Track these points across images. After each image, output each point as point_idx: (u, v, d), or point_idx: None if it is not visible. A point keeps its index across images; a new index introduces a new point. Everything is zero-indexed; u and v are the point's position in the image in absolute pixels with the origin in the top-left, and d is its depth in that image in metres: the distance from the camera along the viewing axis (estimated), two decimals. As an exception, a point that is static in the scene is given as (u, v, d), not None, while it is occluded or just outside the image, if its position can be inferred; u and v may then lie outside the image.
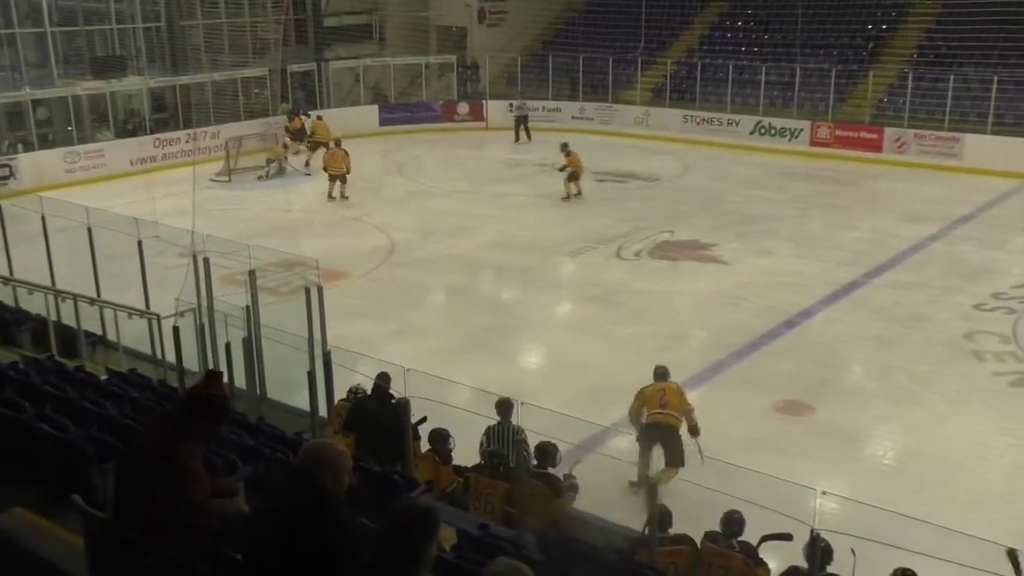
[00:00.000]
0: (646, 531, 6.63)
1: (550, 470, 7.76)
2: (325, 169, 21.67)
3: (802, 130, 26.11)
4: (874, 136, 25.27)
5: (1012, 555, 5.69)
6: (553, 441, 7.77)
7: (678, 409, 9.26)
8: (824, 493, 6.20)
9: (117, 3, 27.02)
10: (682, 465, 8.93)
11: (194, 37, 28.59)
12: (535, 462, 7.83)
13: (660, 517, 6.96)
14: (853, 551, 5.97)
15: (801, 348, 13.06)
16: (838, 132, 25.50)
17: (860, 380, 12.29)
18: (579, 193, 21.31)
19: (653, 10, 31.43)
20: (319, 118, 25.85)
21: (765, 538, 6.67)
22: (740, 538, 6.78)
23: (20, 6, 24.87)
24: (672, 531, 7.00)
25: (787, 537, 6.43)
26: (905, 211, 19.94)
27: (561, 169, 21.29)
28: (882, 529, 6.09)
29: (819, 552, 6.07)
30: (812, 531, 5.99)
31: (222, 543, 3.98)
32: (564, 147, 21.46)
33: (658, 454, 9.14)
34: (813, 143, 25.93)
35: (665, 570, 6.68)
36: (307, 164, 24.28)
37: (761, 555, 6.70)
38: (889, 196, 22.11)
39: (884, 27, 28.25)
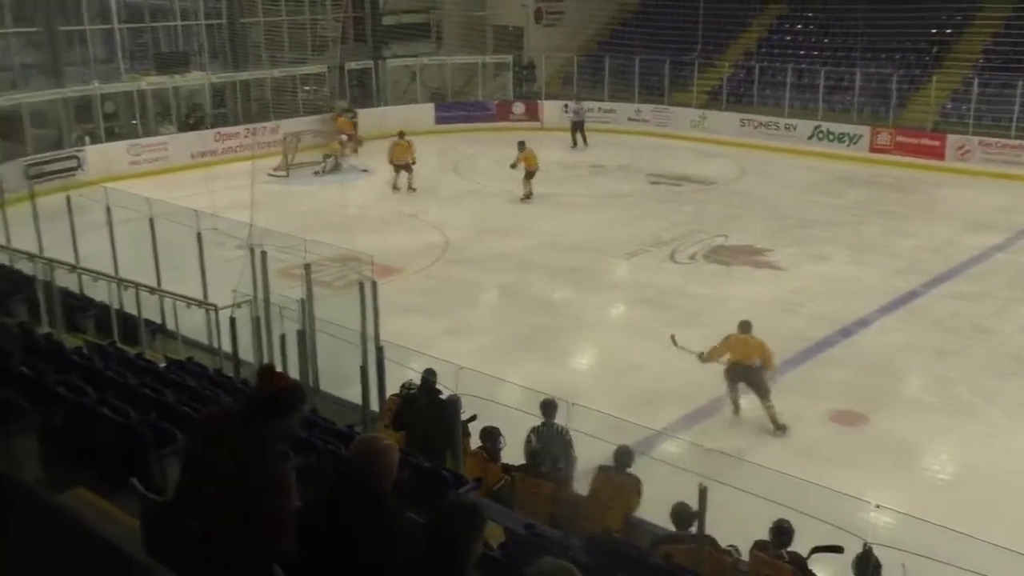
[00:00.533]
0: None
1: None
2: (391, 161, 22.04)
3: (861, 136, 25.69)
4: (936, 143, 24.76)
5: None
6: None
7: (758, 356, 10.88)
8: (878, 507, 6.09)
9: (181, 1, 27.56)
10: (768, 394, 10.77)
11: (255, 34, 29.04)
12: (612, 463, 7.79)
13: (680, 514, 6.99)
14: (904, 566, 5.86)
15: (856, 357, 12.85)
16: (899, 138, 25.04)
17: (917, 391, 12.06)
18: (529, 194, 21.19)
19: (710, 12, 31.15)
20: (348, 110, 26.39)
21: (816, 550, 6.56)
22: (790, 548, 6.68)
23: (91, 5, 25.50)
24: (720, 540, 6.94)
25: (838, 550, 6.32)
26: (967, 220, 19.51)
27: (512, 166, 21.39)
28: (936, 546, 5.97)
29: (871, 567, 5.97)
30: (865, 545, 5.89)
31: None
32: (520, 145, 21.55)
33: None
34: (872, 149, 25.49)
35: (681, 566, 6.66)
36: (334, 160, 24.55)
37: (811, 567, 6.60)
38: (951, 204, 21.66)
39: (949, 31, 27.64)
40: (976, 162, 23.93)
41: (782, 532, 6.64)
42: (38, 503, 2.30)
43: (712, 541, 6.90)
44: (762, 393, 10.86)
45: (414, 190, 21.84)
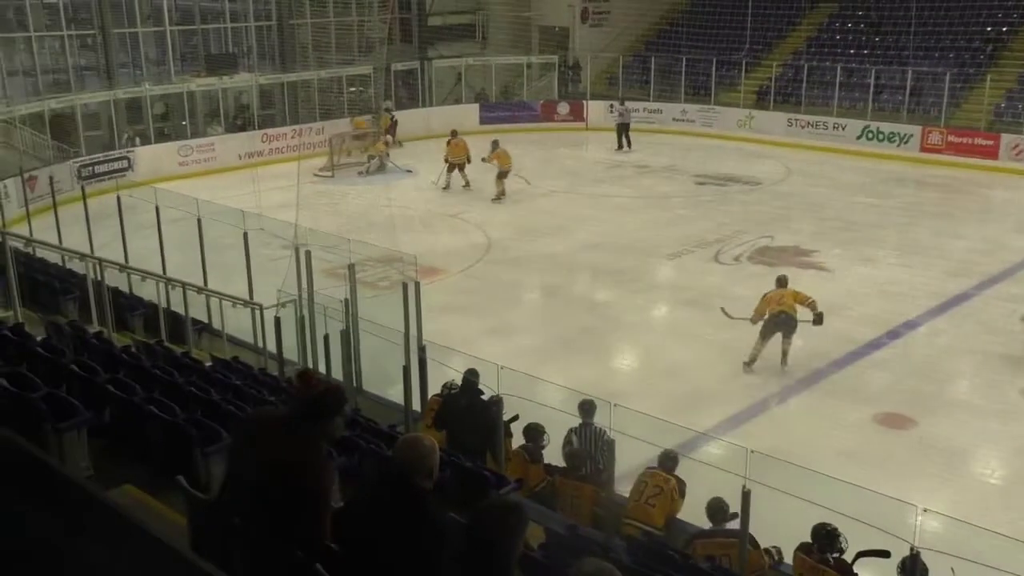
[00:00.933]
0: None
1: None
2: (446, 160, 22.11)
3: (912, 136, 25.27)
4: (990, 143, 24.28)
5: None
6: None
7: (799, 303, 12.29)
8: (925, 511, 5.99)
9: (231, 2, 27.96)
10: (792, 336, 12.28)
11: (302, 35, 29.36)
12: (657, 466, 7.78)
13: (717, 511, 6.99)
14: (953, 570, 5.76)
15: (904, 360, 12.65)
16: (951, 138, 24.60)
17: (967, 395, 11.83)
18: (502, 194, 21.19)
19: (759, 11, 30.87)
20: (387, 110, 26.68)
21: (861, 554, 6.47)
22: (834, 554, 6.57)
23: (143, 6, 25.97)
24: (763, 542, 6.88)
25: (885, 554, 6.22)
26: (1021, 221, 19.13)
27: (484, 160, 21.41)
28: (986, 551, 5.86)
29: (918, 572, 5.88)
30: (912, 549, 5.80)
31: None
32: (494, 144, 21.57)
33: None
34: (923, 149, 25.08)
35: (715, 562, 6.66)
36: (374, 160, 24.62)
37: (857, 571, 6.50)
38: (1004, 205, 21.23)
39: (1004, 29, 27.08)
40: (1030, 162, 23.44)
41: (828, 536, 6.51)
42: (88, 499, 2.34)
43: (752, 539, 6.86)
44: (791, 338, 12.32)
45: (468, 186, 21.96)
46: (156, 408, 6.01)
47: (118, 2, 25.28)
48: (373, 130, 25.95)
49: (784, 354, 12.31)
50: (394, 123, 26.51)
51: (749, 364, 12.28)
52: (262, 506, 3.81)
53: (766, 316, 12.28)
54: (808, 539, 6.66)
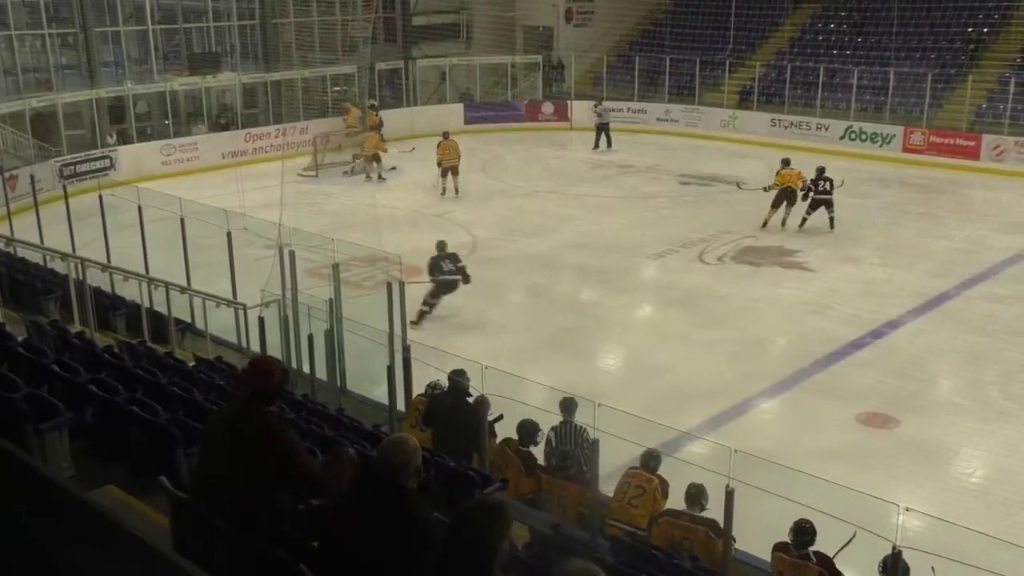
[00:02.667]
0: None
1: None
2: (439, 164, 21.56)
3: (894, 136, 25.43)
4: (971, 143, 24.45)
5: None
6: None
7: (800, 181, 18.46)
8: (907, 509, 6.03)
9: (214, 1, 27.83)
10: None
11: (286, 35, 29.26)
12: (639, 466, 7.78)
13: (695, 494, 7.06)
14: (933, 569, 5.80)
15: (887, 359, 12.71)
16: (932, 138, 24.77)
17: (948, 394, 11.91)
18: (444, 191, 21.34)
19: (742, 11, 31.00)
20: (371, 107, 26.54)
21: (839, 552, 6.52)
22: (814, 548, 6.58)
23: (125, 5, 25.82)
24: (749, 542, 6.91)
25: (851, 539, 6.28)
26: (1002, 221, 19.25)
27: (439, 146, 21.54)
28: (967, 550, 5.90)
29: (900, 570, 5.91)
30: (894, 548, 5.83)
31: (300, 531, 4.08)
32: (445, 134, 21.69)
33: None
34: (906, 149, 25.24)
35: (676, 543, 6.78)
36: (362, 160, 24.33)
37: (839, 566, 6.54)
38: (985, 205, 21.39)
39: (985, 30, 27.29)
40: (1012, 163, 23.61)
41: (803, 532, 6.49)
42: (69, 500, 2.33)
43: (713, 524, 6.93)
44: (791, 209, 18.45)
45: (457, 193, 21.41)
46: (138, 408, 5.98)
47: (100, 1, 25.10)
48: (359, 129, 25.84)
49: (783, 221, 18.37)
50: (380, 123, 26.39)
51: (763, 227, 18.34)
52: (234, 495, 3.90)
53: (777, 189, 18.34)
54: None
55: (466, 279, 13.76)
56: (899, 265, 16.59)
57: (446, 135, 22.00)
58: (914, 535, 6.12)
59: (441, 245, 14.02)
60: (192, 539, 4.06)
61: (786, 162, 18.73)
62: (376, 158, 23.38)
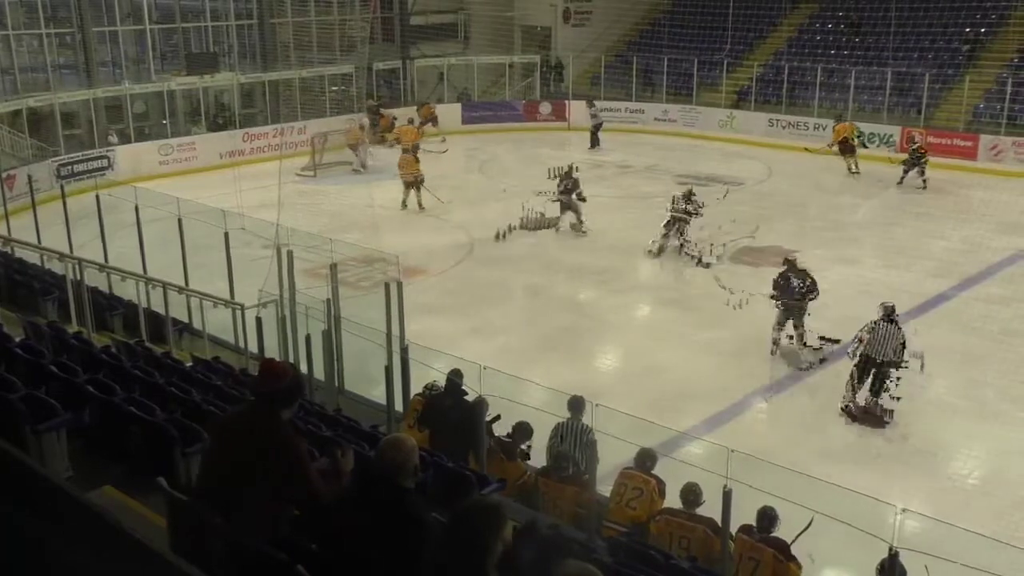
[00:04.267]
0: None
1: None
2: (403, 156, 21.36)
3: (892, 136, 25.44)
4: (969, 143, 24.49)
5: None
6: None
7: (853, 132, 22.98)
8: (904, 510, 6.04)
9: (212, 1, 27.81)
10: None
11: (283, 34, 29.24)
12: (635, 465, 7.80)
13: (689, 493, 7.16)
14: (927, 568, 5.81)
15: (884, 360, 12.69)
16: (930, 138, 24.76)
17: (945, 395, 11.90)
18: (404, 205, 20.43)
19: (740, 11, 31.01)
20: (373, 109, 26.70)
21: (795, 539, 6.69)
22: (774, 534, 6.78)
23: (123, 5, 25.79)
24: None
25: (808, 525, 6.52)
26: (1000, 222, 19.26)
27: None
28: (964, 551, 5.90)
29: (897, 571, 5.92)
30: (891, 549, 5.84)
31: (300, 532, 4.08)
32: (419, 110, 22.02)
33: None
34: (904, 150, 25.19)
35: (670, 542, 6.86)
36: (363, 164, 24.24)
37: (805, 555, 6.68)
38: (983, 206, 21.37)
39: (983, 30, 27.31)
40: (1009, 163, 23.66)
41: (765, 517, 6.78)
42: (67, 501, 2.33)
43: (711, 523, 6.99)
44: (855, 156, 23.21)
45: (423, 208, 20.26)
46: (136, 409, 5.98)
47: (97, 0, 25.07)
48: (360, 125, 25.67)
49: (851, 167, 23.25)
50: (433, 117, 26.41)
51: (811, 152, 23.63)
52: (236, 498, 3.90)
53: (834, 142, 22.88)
54: (787, 537, 6.73)
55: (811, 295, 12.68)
56: (897, 266, 16.60)
57: (413, 148, 21.61)
58: (911, 536, 6.12)
59: (790, 262, 12.93)
60: (190, 540, 4.06)
61: (839, 118, 23.19)
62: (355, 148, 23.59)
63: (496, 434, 8.48)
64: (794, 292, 12.51)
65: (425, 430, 8.51)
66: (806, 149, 23.38)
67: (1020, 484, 9.67)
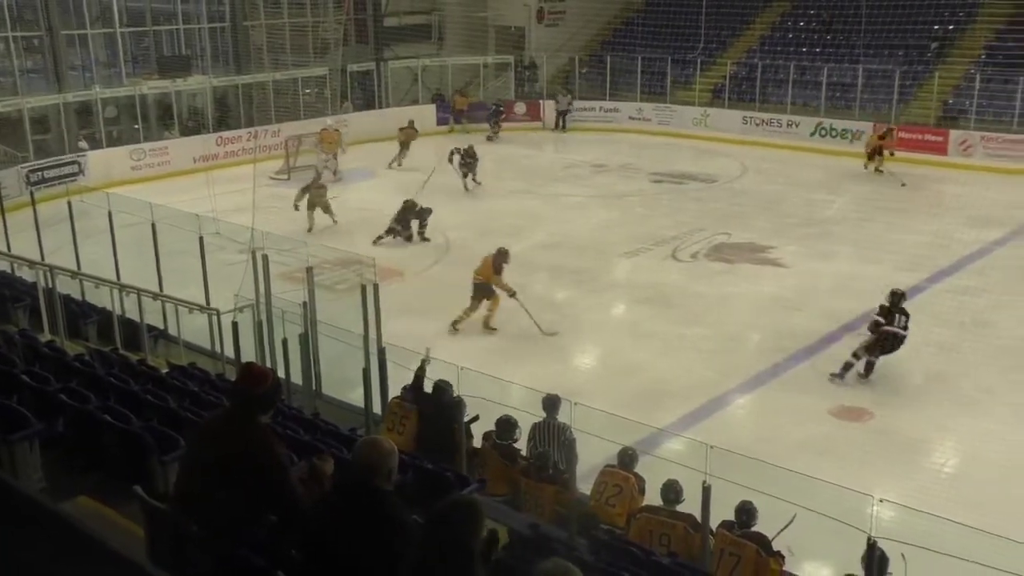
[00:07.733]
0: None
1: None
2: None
3: (864, 132, 25.66)
4: (939, 139, 24.75)
5: None
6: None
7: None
8: (881, 500, 6.09)
9: (184, 4, 27.58)
10: None
11: (257, 37, 29.04)
12: (616, 464, 7.81)
13: (670, 490, 7.19)
14: (904, 556, 5.87)
15: (860, 353, 12.80)
16: (901, 134, 25.00)
17: (921, 387, 12.03)
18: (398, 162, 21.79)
19: (713, 10, 31.16)
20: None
21: (777, 535, 6.75)
22: (754, 528, 6.82)
23: (92, 7, 25.49)
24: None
25: (790, 521, 6.61)
26: (970, 215, 19.47)
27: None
28: (942, 539, 5.96)
29: (876, 560, 5.97)
30: (869, 539, 5.89)
31: (278, 538, 4.06)
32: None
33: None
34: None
35: (651, 539, 6.89)
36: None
37: (775, 545, 6.74)
38: (953, 200, 21.60)
39: (951, 27, 27.62)
40: (978, 157, 23.93)
41: (744, 512, 6.84)
42: (41, 513, 2.30)
43: (691, 519, 7.03)
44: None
45: (335, 222, 18.99)
46: (111, 417, 5.91)
47: (66, 3, 24.79)
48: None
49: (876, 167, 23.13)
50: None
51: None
52: (215, 504, 3.87)
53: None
54: (768, 532, 6.78)
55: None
56: (870, 260, 16.74)
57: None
58: (889, 525, 6.18)
59: (899, 295, 12.25)
60: (167, 548, 4.02)
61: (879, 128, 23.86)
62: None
63: (473, 435, 8.49)
64: (899, 327, 12.00)
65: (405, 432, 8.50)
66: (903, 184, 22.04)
67: (995, 472, 9.79)
